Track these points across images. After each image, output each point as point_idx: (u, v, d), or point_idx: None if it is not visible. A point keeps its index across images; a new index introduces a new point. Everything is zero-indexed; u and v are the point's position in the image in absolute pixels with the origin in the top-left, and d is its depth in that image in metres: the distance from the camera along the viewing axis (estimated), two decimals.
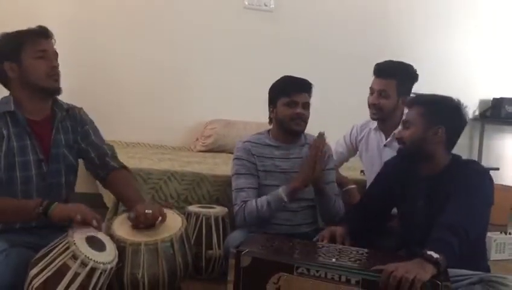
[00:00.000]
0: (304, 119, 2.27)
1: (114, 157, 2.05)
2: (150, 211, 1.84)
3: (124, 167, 2.07)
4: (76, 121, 1.99)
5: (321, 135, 2.19)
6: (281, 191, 2.16)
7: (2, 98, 1.88)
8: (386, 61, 2.48)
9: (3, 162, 1.78)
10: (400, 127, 2.11)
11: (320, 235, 1.98)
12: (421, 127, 1.90)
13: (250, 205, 2.20)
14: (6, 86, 1.89)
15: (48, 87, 1.87)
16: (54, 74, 1.87)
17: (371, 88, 2.48)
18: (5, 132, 1.79)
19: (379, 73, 2.46)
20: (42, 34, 1.87)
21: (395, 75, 2.43)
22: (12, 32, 1.86)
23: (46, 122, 1.89)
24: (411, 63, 2.52)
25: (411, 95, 2.49)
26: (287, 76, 2.33)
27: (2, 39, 1.86)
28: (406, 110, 2.03)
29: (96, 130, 2.05)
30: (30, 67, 1.83)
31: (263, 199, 2.19)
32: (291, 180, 2.25)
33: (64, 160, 1.92)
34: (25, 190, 1.82)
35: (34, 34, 1.85)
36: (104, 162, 2.01)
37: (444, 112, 1.91)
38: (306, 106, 2.27)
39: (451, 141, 1.93)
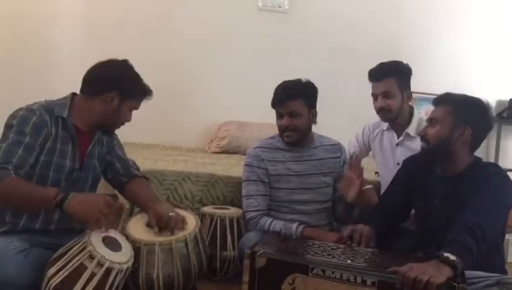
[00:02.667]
0: (292, 129, 2.25)
1: (137, 168, 2.16)
2: (173, 214, 1.88)
3: (145, 178, 2.16)
4: (110, 136, 2.08)
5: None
6: (295, 229, 2.16)
7: (60, 99, 1.93)
8: (377, 65, 2.47)
9: (42, 159, 1.82)
10: (423, 124, 2.08)
11: (347, 232, 1.94)
12: (448, 126, 1.87)
13: (263, 224, 2.22)
14: (85, 95, 1.92)
15: (112, 131, 2.03)
16: (123, 125, 2.01)
17: (372, 94, 2.47)
18: (53, 131, 1.85)
19: (375, 77, 2.44)
20: (148, 95, 2.01)
21: (392, 74, 2.42)
22: (137, 75, 1.97)
23: (89, 133, 1.96)
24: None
25: (411, 91, 2.49)
26: (279, 85, 2.30)
27: (130, 74, 1.95)
28: (432, 108, 1.98)
29: (120, 145, 2.15)
30: (122, 113, 1.95)
31: (276, 226, 2.19)
32: (305, 183, 2.29)
33: (93, 171, 2.00)
34: None
35: (146, 93, 2.00)
36: (128, 171, 2.10)
37: (473, 113, 1.87)
38: (294, 114, 2.23)
39: (476, 142, 1.91)
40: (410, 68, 2.48)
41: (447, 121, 1.87)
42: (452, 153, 1.88)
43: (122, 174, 2.09)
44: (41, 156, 1.82)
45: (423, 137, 1.95)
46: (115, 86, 1.90)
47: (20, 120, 1.80)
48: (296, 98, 2.23)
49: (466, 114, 1.87)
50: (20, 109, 1.85)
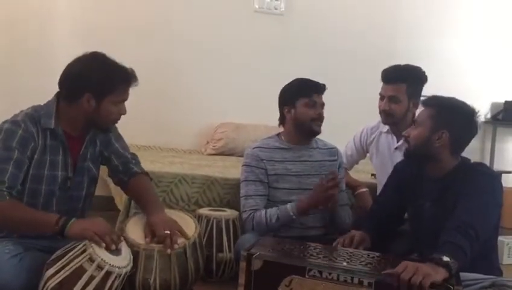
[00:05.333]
0: (322, 121, 2.31)
1: (137, 163, 2.07)
2: (168, 232, 1.81)
3: (146, 174, 2.08)
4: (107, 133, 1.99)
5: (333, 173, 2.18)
6: (289, 208, 2.18)
7: (45, 108, 1.84)
8: (393, 67, 2.46)
9: (31, 173, 1.78)
10: None
11: (339, 240, 1.97)
12: (427, 129, 1.89)
13: (259, 216, 2.21)
14: (65, 101, 1.83)
15: (106, 129, 1.91)
16: (118, 120, 1.90)
17: (380, 94, 2.46)
18: (41, 143, 1.79)
19: (387, 79, 2.44)
20: (132, 82, 1.84)
21: (403, 80, 2.41)
22: (108, 68, 1.81)
23: (79, 136, 1.90)
24: (422, 66, 2.50)
25: (421, 97, 2.46)
26: (303, 78, 2.36)
27: (97, 71, 1.79)
28: (420, 109, 2.02)
29: (119, 137, 2.05)
30: (106, 111, 1.82)
31: (273, 212, 2.20)
32: (303, 183, 2.29)
33: (88, 173, 1.93)
34: (46, 202, 1.83)
35: (126, 82, 1.83)
36: (127, 168, 2.02)
37: (453, 117, 1.88)
38: (323, 107, 2.32)
39: (457, 146, 1.91)
40: (425, 76, 2.46)
41: (427, 124, 1.90)
42: (432, 155, 1.90)
43: (121, 172, 2.02)
44: (30, 169, 1.77)
45: (406, 138, 1.98)
46: (85, 88, 1.78)
47: (5, 134, 1.73)
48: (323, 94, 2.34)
49: (446, 118, 1.88)
50: (5, 121, 1.78)
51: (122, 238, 1.78)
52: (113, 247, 1.66)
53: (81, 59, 1.82)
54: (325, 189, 2.12)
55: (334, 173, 2.18)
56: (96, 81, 1.78)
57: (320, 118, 2.30)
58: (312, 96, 2.29)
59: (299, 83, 2.35)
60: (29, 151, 1.76)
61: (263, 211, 2.22)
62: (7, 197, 1.68)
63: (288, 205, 2.19)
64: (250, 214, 2.24)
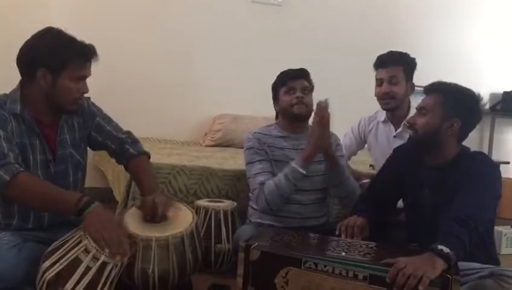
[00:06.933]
0: (304, 103, 2.29)
1: (133, 143, 2.04)
2: (158, 201, 1.84)
3: (143, 153, 2.06)
4: (85, 115, 1.94)
5: (324, 102, 2.15)
6: (294, 164, 2.16)
7: (9, 94, 1.80)
8: (387, 52, 2.50)
9: (21, 158, 1.73)
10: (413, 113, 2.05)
11: (340, 225, 1.96)
12: (438, 118, 1.86)
13: (268, 185, 2.18)
14: (25, 82, 1.79)
15: (69, 110, 1.84)
16: (81, 98, 1.83)
17: (378, 80, 2.48)
18: (14, 125, 1.75)
19: (384, 63, 2.46)
20: (90, 56, 1.77)
21: (400, 62, 2.45)
22: (62, 40, 1.75)
23: (53, 122, 1.85)
24: (421, 56, 2.53)
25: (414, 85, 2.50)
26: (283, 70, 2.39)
27: (49, 43, 1.74)
28: (423, 97, 1.97)
29: (107, 119, 2.02)
30: (63, 88, 1.75)
31: (280, 175, 2.18)
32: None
33: (71, 160, 1.89)
34: None
35: (83, 56, 1.76)
36: (123, 150, 2.00)
37: (463, 105, 1.86)
38: (305, 90, 2.31)
39: (464, 134, 1.91)
40: (416, 62, 2.51)
41: (437, 112, 1.86)
42: (440, 143, 1.88)
43: (119, 153, 2.01)
44: (12, 140, 1.72)
45: (412, 125, 1.93)
46: (38, 62, 1.71)
47: None
48: (306, 78, 2.35)
49: (456, 106, 1.85)
50: None
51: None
52: (118, 258, 1.60)
53: (35, 34, 1.76)
54: (319, 122, 2.11)
55: (323, 102, 2.14)
56: (49, 54, 1.72)
57: (299, 101, 2.29)
58: (288, 83, 2.32)
59: (278, 76, 2.39)
60: (9, 131, 1.72)
61: (271, 182, 2.18)
62: (21, 169, 1.65)
63: (292, 162, 2.18)
64: (260, 189, 2.20)
